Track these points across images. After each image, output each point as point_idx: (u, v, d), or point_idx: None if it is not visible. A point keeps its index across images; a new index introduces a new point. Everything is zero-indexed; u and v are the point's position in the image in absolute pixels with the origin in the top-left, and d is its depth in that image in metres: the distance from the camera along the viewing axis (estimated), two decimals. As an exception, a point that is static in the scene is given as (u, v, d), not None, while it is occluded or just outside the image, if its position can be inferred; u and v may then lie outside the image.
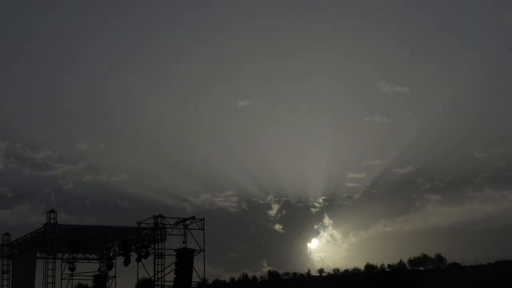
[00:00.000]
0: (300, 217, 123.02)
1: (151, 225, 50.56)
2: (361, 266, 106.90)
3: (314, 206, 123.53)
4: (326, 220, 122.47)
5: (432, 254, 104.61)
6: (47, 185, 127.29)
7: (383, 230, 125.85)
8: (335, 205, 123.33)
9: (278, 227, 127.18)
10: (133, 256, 51.13)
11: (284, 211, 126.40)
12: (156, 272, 50.14)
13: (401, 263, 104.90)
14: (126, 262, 51.35)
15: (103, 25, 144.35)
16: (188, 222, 51.27)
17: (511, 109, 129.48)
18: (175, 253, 50.65)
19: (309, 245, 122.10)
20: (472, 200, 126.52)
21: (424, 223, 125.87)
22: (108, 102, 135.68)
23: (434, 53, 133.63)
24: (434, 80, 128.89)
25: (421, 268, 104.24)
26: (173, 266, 50.53)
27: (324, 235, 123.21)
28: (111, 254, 55.57)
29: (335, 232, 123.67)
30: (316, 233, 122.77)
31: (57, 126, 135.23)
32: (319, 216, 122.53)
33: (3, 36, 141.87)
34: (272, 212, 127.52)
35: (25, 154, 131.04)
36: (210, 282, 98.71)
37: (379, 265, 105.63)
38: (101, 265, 57.30)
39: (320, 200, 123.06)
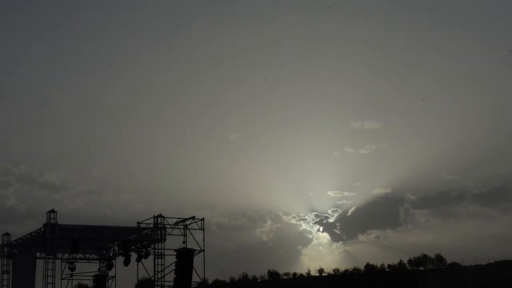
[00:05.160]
0: (294, 230, 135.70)
1: (151, 225, 50.49)
2: (361, 266, 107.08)
3: (305, 220, 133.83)
4: (318, 233, 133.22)
5: (432, 254, 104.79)
6: (57, 204, 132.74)
7: (372, 240, 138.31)
8: (325, 217, 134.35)
9: (272, 237, 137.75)
10: (133, 256, 51.07)
11: (277, 225, 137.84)
12: (156, 272, 50.06)
13: (401, 263, 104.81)
14: (126, 262, 51.27)
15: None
16: (188, 222, 51.16)
17: (481, 135, 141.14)
18: (175, 253, 50.65)
19: (303, 254, 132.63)
20: (457, 215, 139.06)
21: (412, 235, 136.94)
22: (118, 133, 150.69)
23: (409, 86, 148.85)
24: (409, 118, 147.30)
25: (421, 268, 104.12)
26: (173, 266, 50.51)
27: (316, 245, 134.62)
28: (111, 254, 55.57)
29: (326, 242, 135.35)
30: (309, 243, 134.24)
31: (71, 151, 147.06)
32: (311, 229, 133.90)
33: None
34: (266, 226, 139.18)
35: (40, 176, 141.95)
36: (210, 282, 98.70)
37: (379, 265, 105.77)
38: (101, 265, 57.27)
39: (312, 216, 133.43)
